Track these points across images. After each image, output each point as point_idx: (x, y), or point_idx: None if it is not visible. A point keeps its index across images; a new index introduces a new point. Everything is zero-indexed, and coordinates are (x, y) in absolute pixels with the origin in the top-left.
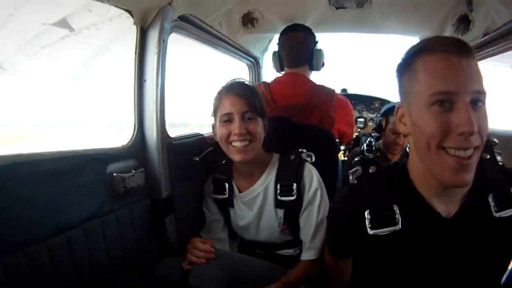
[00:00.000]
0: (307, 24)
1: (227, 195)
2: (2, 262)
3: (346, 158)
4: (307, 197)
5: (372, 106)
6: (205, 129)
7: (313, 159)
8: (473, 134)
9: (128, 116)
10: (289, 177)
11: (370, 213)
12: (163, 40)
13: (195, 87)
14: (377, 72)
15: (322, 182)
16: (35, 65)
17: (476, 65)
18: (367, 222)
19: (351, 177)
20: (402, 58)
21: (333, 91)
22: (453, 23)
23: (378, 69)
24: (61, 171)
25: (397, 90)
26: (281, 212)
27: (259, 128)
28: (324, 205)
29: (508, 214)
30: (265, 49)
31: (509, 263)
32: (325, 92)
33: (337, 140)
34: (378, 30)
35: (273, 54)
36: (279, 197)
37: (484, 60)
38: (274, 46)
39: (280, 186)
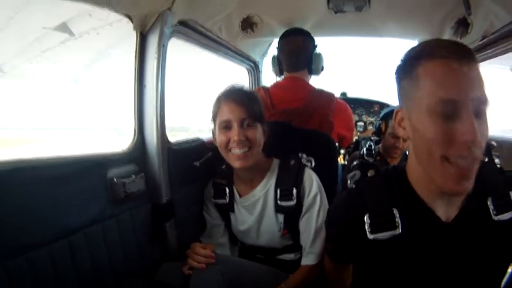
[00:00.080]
0: (306, 28)
1: (227, 200)
2: (3, 267)
3: (346, 162)
4: (306, 202)
5: (372, 110)
6: (205, 134)
7: (313, 164)
8: (476, 143)
9: (128, 120)
10: (289, 182)
11: (369, 217)
12: (163, 45)
13: (196, 91)
14: (376, 76)
15: (321, 187)
16: (36, 69)
17: (478, 69)
18: (366, 226)
19: (349, 182)
20: (401, 61)
21: (333, 95)
22: (452, 26)
23: (377, 72)
24: (62, 176)
25: (396, 94)
26: (281, 217)
27: (258, 134)
28: (323, 210)
29: (507, 217)
30: (264, 53)
31: (508, 266)
32: (324, 97)
33: (336, 144)
34: (377, 33)
35: (272, 58)
36: (279, 202)
37: (483, 62)
38: (273, 50)
39: (280, 191)
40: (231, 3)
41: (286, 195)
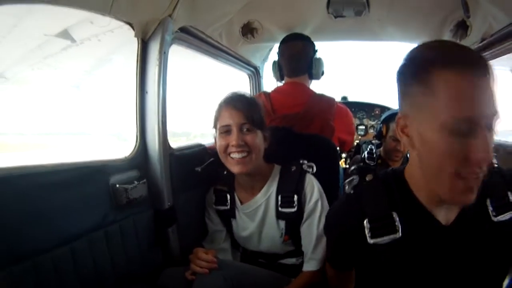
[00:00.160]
0: (306, 33)
1: (228, 207)
2: (7, 272)
3: (347, 166)
4: (308, 208)
5: (373, 113)
6: (207, 139)
7: (314, 170)
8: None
9: (129, 125)
10: (290, 189)
11: (369, 222)
12: (164, 52)
13: (198, 96)
14: (376, 79)
15: (323, 193)
16: (37, 75)
17: (492, 82)
18: (366, 231)
19: (347, 187)
20: (408, 61)
21: (333, 99)
22: (451, 29)
23: (377, 76)
24: (65, 183)
25: (396, 95)
26: (282, 223)
27: (257, 140)
28: (325, 216)
29: (507, 218)
30: (265, 59)
31: (509, 267)
32: (325, 101)
33: (337, 148)
34: (376, 37)
35: (273, 63)
36: (280, 208)
37: None
38: (274, 55)
39: (281, 197)
40: (231, 10)
41: (287, 202)
